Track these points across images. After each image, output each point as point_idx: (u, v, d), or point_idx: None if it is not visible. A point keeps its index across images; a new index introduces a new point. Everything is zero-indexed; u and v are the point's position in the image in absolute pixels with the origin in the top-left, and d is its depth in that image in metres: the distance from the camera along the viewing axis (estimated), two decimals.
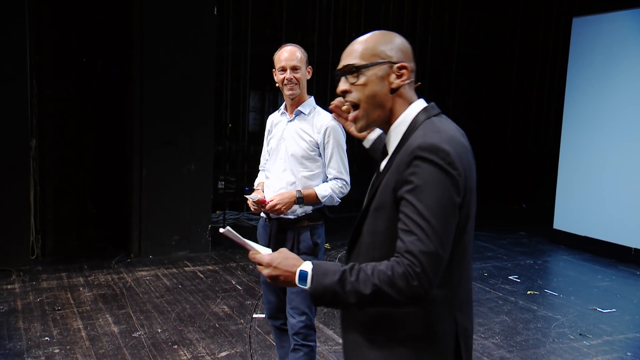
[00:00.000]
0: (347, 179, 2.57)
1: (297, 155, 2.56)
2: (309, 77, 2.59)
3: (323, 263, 1.31)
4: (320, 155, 2.56)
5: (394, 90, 1.37)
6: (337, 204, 2.59)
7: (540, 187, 7.91)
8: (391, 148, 1.38)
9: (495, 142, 8.86)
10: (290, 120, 2.62)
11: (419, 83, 1.45)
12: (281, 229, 2.59)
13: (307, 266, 1.30)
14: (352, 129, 1.73)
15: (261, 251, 1.40)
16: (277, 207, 2.49)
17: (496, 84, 8.89)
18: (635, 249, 5.81)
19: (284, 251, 1.36)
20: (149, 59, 5.33)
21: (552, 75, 8.15)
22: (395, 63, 1.36)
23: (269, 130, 2.75)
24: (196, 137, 5.59)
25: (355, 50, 1.38)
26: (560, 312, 4.39)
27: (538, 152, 8.46)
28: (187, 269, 5.21)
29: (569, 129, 6.49)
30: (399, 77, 1.36)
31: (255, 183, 2.82)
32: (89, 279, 4.81)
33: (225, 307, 4.25)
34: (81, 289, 4.55)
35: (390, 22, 8.03)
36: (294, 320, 2.56)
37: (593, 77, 6.20)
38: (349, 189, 2.58)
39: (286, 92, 2.57)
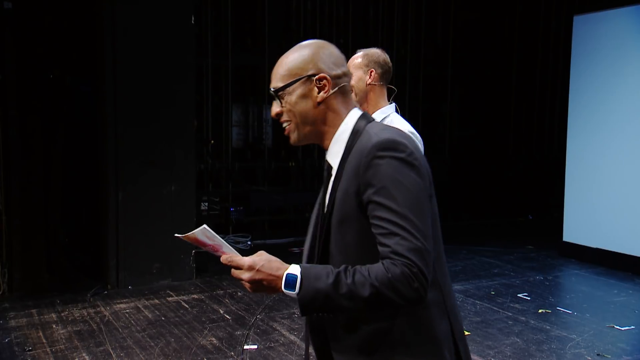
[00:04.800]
0: None
1: None
2: (369, 80, 2.54)
3: (312, 266, 1.30)
4: None
5: (320, 104, 1.41)
6: None
7: (548, 196, 7.98)
8: (336, 160, 1.42)
9: (496, 149, 8.94)
10: None
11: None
12: None
13: (295, 269, 1.28)
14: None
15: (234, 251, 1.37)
16: None
17: (495, 88, 9.00)
18: None
19: (264, 253, 1.34)
20: (123, 73, 5.33)
21: (555, 76, 8.27)
22: (313, 75, 1.40)
23: None
24: (176, 155, 5.58)
25: (277, 72, 1.44)
26: (575, 331, 4.40)
27: (543, 159, 8.55)
28: (170, 299, 5.16)
29: (576, 133, 6.58)
30: (321, 89, 1.40)
31: None
32: (63, 314, 4.74)
33: (214, 339, 4.22)
34: (54, 326, 4.49)
35: (380, 25, 8.13)
36: None
37: (598, 77, 6.31)
38: None
39: None
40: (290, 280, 1.27)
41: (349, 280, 1.24)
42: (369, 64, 2.57)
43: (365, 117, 1.44)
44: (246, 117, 7.78)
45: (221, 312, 4.82)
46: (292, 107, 1.42)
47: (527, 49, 8.74)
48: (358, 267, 1.27)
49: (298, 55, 1.43)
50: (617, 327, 4.49)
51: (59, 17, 5.93)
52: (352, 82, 2.54)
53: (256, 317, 4.67)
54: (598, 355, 3.95)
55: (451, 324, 1.39)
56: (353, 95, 2.55)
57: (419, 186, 1.28)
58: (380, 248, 1.26)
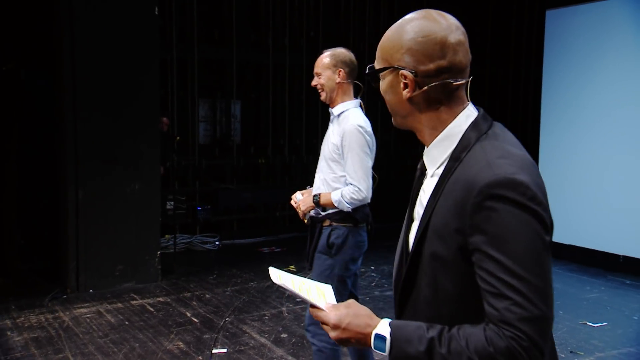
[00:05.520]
0: (361, 185, 2.77)
1: (326, 156, 2.90)
2: (339, 79, 2.85)
3: (403, 325, 1.18)
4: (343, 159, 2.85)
5: (410, 100, 1.23)
6: (348, 209, 2.81)
7: None
8: (433, 165, 1.26)
9: None
10: (331, 122, 2.95)
11: (467, 79, 1.24)
12: (312, 226, 2.97)
13: (384, 329, 1.17)
14: None
15: (324, 290, 1.29)
16: (300, 206, 2.94)
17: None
18: (623, 256, 6.01)
19: (353, 305, 1.23)
20: (82, 66, 5.21)
21: (528, 72, 8.40)
22: (400, 69, 1.21)
23: None
24: (140, 152, 5.48)
25: (378, 48, 1.28)
26: None
27: None
28: (134, 302, 5.07)
29: (548, 129, 6.70)
30: (406, 86, 1.21)
31: None
32: (18, 320, 4.61)
33: (181, 343, 4.15)
34: (9, 333, 4.36)
35: (351, 17, 8.13)
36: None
37: (571, 72, 6.43)
38: (364, 196, 2.77)
39: None
40: (380, 340, 1.18)
41: (444, 350, 1.10)
42: (337, 63, 2.85)
43: (477, 128, 1.21)
44: (213, 112, 7.69)
45: (188, 315, 4.75)
46: (383, 94, 1.28)
47: (500, 44, 8.86)
48: (456, 331, 1.12)
49: (393, 36, 1.23)
50: (590, 323, 4.58)
51: (13, 6, 5.76)
52: (322, 80, 2.86)
53: (225, 320, 4.62)
54: (571, 352, 4.02)
55: None
56: (324, 92, 2.80)
57: (540, 237, 1.09)
58: (486, 308, 1.09)
